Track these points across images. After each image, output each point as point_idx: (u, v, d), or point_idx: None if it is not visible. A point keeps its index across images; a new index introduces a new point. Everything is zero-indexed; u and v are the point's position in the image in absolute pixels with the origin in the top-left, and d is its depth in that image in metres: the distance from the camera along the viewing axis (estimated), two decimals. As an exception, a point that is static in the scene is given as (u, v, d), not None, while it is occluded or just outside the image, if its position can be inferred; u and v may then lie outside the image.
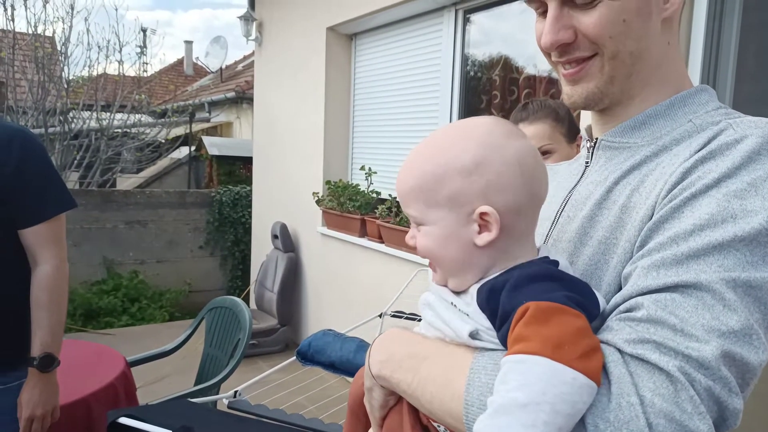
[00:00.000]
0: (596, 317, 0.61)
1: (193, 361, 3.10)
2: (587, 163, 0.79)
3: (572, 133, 1.56)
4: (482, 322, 0.64)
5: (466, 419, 0.58)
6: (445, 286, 0.70)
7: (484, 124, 0.68)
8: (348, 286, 4.11)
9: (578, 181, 0.78)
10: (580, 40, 0.69)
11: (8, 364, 1.57)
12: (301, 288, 4.81)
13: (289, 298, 4.78)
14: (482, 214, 0.64)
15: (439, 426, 0.68)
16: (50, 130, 6.79)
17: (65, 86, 7.17)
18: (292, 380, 2.74)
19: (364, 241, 3.81)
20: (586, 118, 0.86)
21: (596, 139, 0.77)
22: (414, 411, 0.71)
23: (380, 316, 2.56)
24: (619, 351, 0.55)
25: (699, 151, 0.63)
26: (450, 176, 0.65)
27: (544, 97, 1.57)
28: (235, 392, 1.78)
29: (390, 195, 3.70)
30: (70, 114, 7.18)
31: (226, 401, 1.77)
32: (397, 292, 2.77)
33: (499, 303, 0.61)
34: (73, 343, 2.41)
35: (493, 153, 0.65)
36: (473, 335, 0.64)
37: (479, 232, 0.65)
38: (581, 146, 0.83)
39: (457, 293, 0.69)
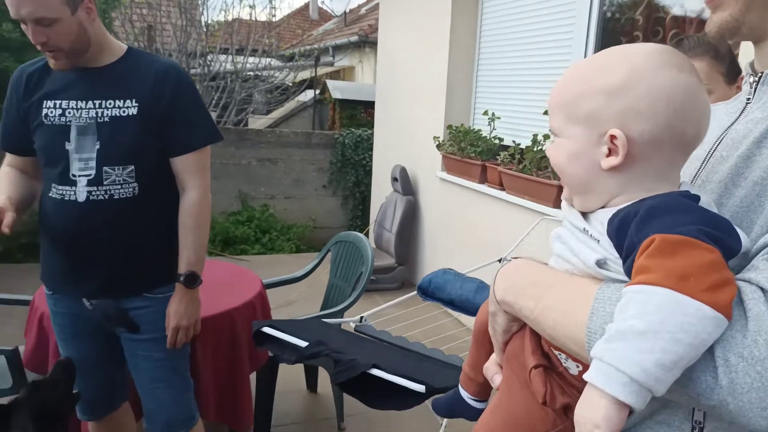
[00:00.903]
0: (736, 253, 0.58)
1: (317, 290, 3.34)
2: (748, 99, 0.73)
3: (733, 73, 1.42)
4: (611, 251, 0.62)
5: (588, 347, 0.59)
6: (572, 205, 0.70)
7: (645, 49, 0.66)
8: (465, 231, 4.14)
9: (736, 119, 0.73)
10: None
11: (160, 279, 1.70)
12: (418, 230, 4.92)
13: (407, 239, 4.91)
14: (612, 137, 0.63)
15: (560, 354, 0.69)
16: (192, 71, 7.32)
17: (204, 30, 7.65)
18: (407, 315, 2.87)
19: (483, 188, 3.80)
20: (747, 55, 0.80)
21: (761, 73, 0.71)
22: (536, 336, 0.73)
23: (500, 261, 2.58)
24: (762, 289, 0.53)
25: None
26: (592, 93, 0.65)
27: (703, 33, 1.45)
28: (361, 317, 1.91)
29: (513, 141, 3.62)
30: (209, 57, 7.69)
31: (352, 324, 1.90)
32: (515, 241, 2.76)
33: (627, 234, 0.60)
34: (217, 264, 2.69)
35: (642, 78, 0.62)
36: (600, 264, 0.63)
37: (607, 155, 0.64)
38: (743, 82, 0.78)
39: (590, 222, 0.68)
